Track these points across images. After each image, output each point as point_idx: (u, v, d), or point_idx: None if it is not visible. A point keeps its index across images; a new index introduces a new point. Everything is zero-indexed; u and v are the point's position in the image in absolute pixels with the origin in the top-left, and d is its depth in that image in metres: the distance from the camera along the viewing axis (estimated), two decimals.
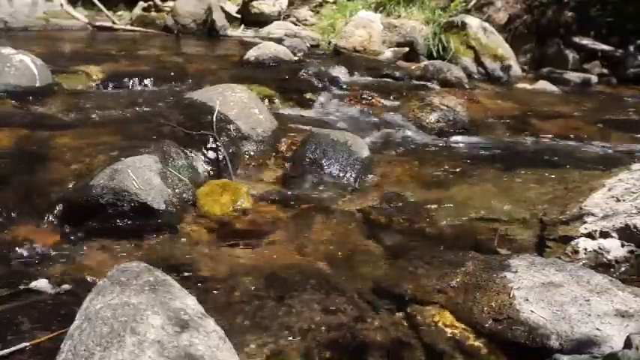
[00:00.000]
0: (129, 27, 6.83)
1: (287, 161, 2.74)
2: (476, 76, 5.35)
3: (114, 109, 3.24)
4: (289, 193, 2.45)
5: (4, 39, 5.06)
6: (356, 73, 4.69)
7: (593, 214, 2.04)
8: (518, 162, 2.95)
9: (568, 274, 1.62)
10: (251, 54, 4.68)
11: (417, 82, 4.67)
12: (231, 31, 6.86)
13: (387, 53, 5.44)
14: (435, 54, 5.51)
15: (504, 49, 5.53)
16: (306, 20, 7.28)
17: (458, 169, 2.81)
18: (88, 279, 1.70)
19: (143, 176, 2.09)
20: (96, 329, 1.12)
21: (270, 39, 5.93)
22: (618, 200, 2.06)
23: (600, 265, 1.89)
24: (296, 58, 4.92)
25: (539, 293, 1.54)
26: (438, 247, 2.03)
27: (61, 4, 6.92)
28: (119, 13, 7.39)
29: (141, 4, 7.39)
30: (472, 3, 6.19)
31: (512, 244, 2.07)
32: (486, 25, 5.64)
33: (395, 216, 2.26)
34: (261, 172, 2.66)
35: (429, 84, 4.63)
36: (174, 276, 1.37)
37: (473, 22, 5.57)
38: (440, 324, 1.57)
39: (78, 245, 1.95)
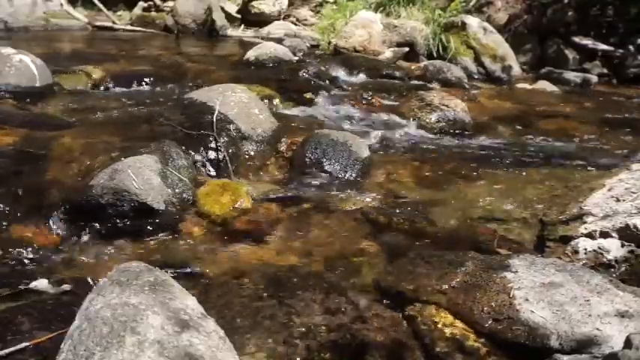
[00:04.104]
0: (129, 27, 6.83)
1: (287, 161, 2.74)
2: (476, 76, 5.35)
3: (114, 109, 3.24)
4: (289, 193, 2.45)
5: (4, 39, 5.06)
6: (356, 73, 4.69)
7: (593, 214, 2.04)
8: (518, 162, 2.96)
9: (568, 274, 1.62)
10: (251, 54, 4.68)
11: (417, 82, 4.67)
12: (231, 31, 6.86)
13: (387, 53, 5.43)
14: (435, 54, 5.52)
15: (504, 49, 5.53)
16: (306, 20, 7.29)
17: (458, 169, 2.81)
18: (88, 279, 1.70)
19: (143, 176, 2.09)
20: (96, 329, 1.12)
21: (270, 39, 5.94)
22: (618, 200, 2.06)
23: (600, 265, 1.89)
24: (296, 58, 4.92)
25: (539, 293, 1.54)
26: (438, 247, 2.03)
27: (61, 4, 6.92)
28: (119, 13, 7.40)
29: (141, 4, 7.39)
30: (472, 3, 6.19)
31: (512, 244, 2.07)
32: (486, 25, 5.64)
33: (395, 216, 2.26)
34: (261, 172, 2.66)
35: (429, 84, 4.63)
36: (174, 276, 1.37)
37: (473, 22, 5.57)
38: (440, 324, 1.57)
39: (78, 245, 1.95)
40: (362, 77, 4.63)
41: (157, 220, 2.07)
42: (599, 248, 1.92)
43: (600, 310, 1.46)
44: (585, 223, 2.02)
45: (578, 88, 5.20)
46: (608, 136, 3.54)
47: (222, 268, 1.86)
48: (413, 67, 5.19)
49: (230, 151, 2.64)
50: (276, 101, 3.69)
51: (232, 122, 2.76)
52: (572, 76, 5.39)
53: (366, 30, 5.56)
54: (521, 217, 2.25)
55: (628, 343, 1.24)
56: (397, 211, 2.31)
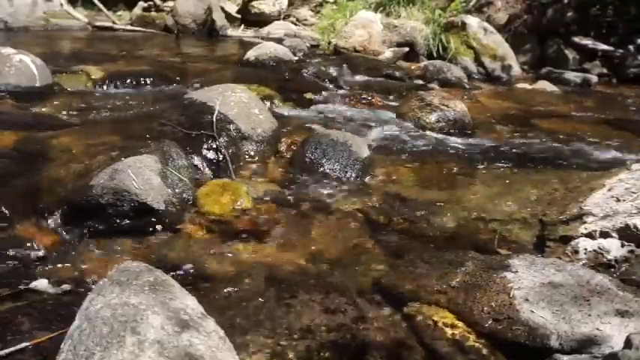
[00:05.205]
0: (129, 27, 6.84)
1: (287, 161, 2.74)
2: (476, 76, 5.36)
3: (114, 109, 3.25)
4: (289, 193, 2.45)
5: (4, 39, 5.06)
6: (356, 73, 4.70)
7: (593, 214, 2.04)
8: (518, 162, 2.96)
9: (568, 274, 1.62)
10: (251, 54, 4.68)
11: (417, 82, 4.68)
12: (231, 31, 6.87)
13: (387, 53, 5.44)
14: (435, 54, 5.53)
15: (504, 49, 5.54)
16: (306, 20, 7.29)
17: (458, 169, 2.81)
18: (88, 279, 1.71)
19: (143, 176, 2.09)
20: (96, 329, 1.12)
21: (270, 39, 5.95)
22: (618, 200, 2.06)
23: (600, 265, 1.89)
24: (296, 58, 4.93)
25: (539, 293, 1.54)
26: (438, 247, 2.03)
27: (61, 4, 6.92)
28: (119, 13, 7.40)
29: (141, 4, 7.40)
30: (472, 3, 6.19)
31: (512, 244, 2.07)
32: (486, 25, 5.65)
33: (395, 216, 2.26)
34: (261, 172, 2.66)
35: (429, 84, 4.63)
36: (174, 276, 1.37)
37: (473, 22, 5.58)
38: (440, 324, 1.57)
39: (78, 245, 1.95)
40: (362, 77, 4.64)
41: (157, 220, 2.07)
42: (599, 248, 1.92)
43: (600, 310, 1.46)
44: (585, 223, 2.02)
45: (578, 88, 5.20)
46: (608, 136, 3.54)
47: (222, 267, 1.86)
48: (413, 67, 5.20)
49: (230, 151, 2.64)
50: (276, 101, 3.69)
51: (232, 122, 2.76)
52: (572, 76, 5.39)
53: (366, 30, 5.57)
54: (521, 217, 2.25)
55: (628, 343, 1.24)
56: (397, 211, 2.32)
